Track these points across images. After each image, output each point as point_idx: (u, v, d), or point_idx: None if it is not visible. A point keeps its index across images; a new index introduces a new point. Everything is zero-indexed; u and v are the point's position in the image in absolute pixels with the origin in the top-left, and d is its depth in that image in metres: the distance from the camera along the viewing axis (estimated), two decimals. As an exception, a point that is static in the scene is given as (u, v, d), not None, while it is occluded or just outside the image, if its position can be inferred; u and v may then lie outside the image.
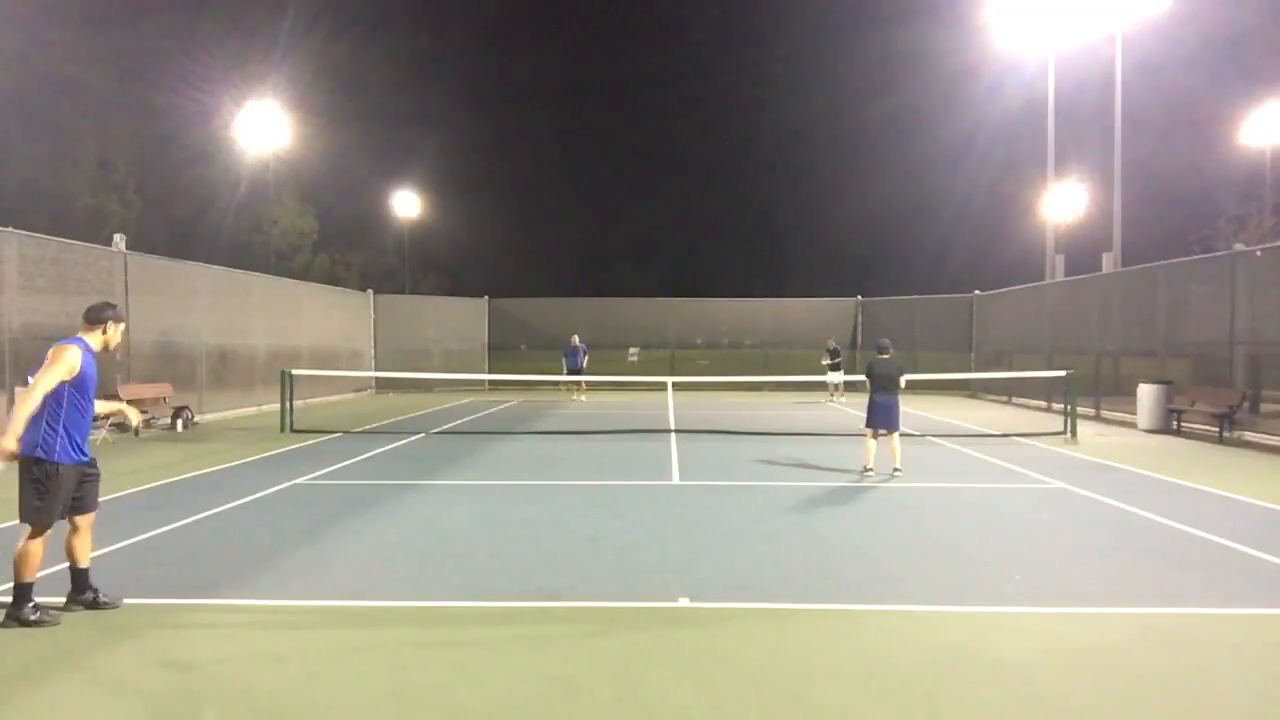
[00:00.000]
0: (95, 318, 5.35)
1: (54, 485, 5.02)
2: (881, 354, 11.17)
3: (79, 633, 5.03)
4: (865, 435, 11.00)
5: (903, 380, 11.02)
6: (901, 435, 11.16)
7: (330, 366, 24.50)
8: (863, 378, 11.50)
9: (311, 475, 10.83)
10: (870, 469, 10.78)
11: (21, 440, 4.98)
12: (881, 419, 10.77)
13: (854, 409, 19.42)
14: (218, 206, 48.84)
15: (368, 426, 17.11)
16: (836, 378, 23.80)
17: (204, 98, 46.45)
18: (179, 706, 4.07)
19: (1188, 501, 9.27)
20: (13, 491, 5.13)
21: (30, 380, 5.02)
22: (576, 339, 25.09)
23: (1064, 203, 31.83)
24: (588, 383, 25.07)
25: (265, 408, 20.17)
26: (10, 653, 4.71)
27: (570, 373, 24.37)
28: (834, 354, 24.53)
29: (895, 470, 10.65)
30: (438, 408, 21.91)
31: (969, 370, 26.15)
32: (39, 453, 5.00)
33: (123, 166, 46.28)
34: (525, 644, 4.89)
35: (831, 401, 24.35)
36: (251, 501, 9.09)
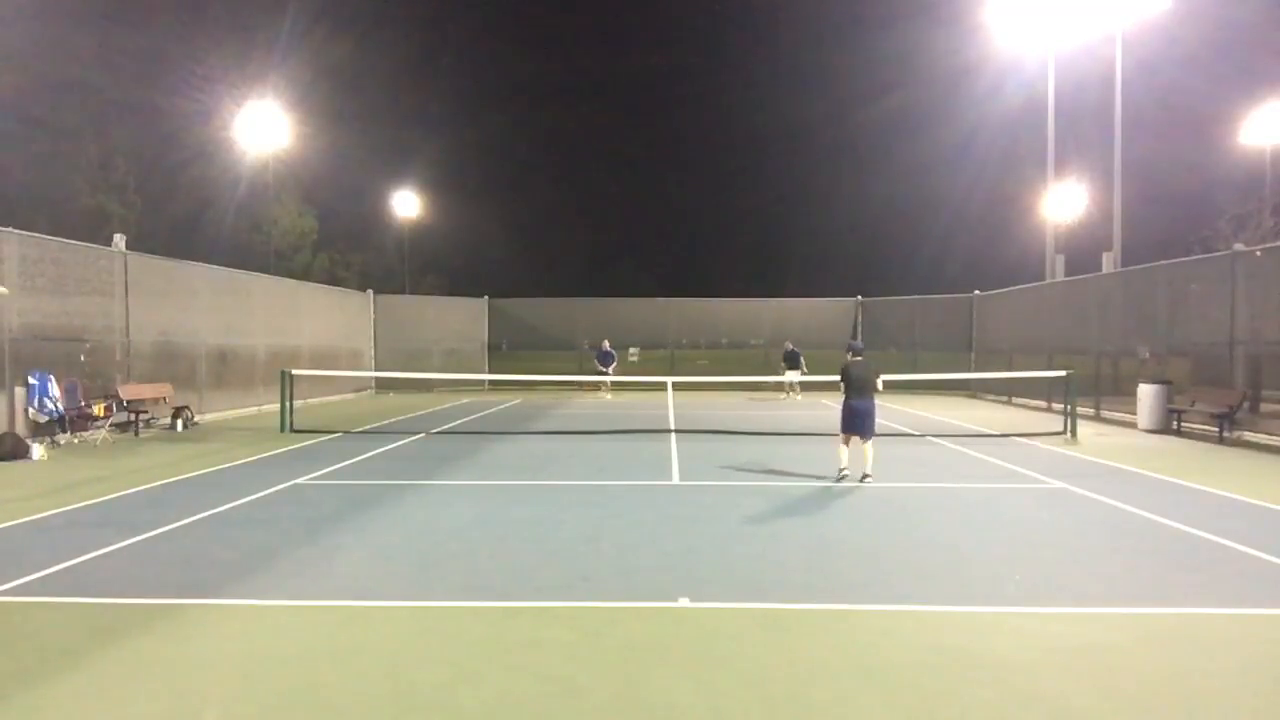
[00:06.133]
0: None
1: None
2: (855, 356, 10.64)
3: (79, 633, 5.03)
4: (840, 439, 10.73)
5: (879, 383, 10.63)
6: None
7: (330, 366, 24.51)
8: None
9: (311, 475, 10.84)
10: (846, 470, 10.47)
11: None
12: (859, 425, 10.42)
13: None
14: (218, 206, 48.88)
15: (367, 426, 17.11)
16: (793, 376, 24.74)
17: (204, 98, 46.55)
18: (179, 706, 4.07)
19: (1188, 501, 9.27)
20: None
21: None
22: (608, 344, 27.01)
23: (1064, 203, 31.79)
24: (599, 383, 26.61)
25: (265, 408, 20.18)
26: (10, 653, 4.72)
27: (600, 372, 26.49)
28: (790, 357, 25.18)
29: (866, 476, 10.23)
30: (437, 408, 21.91)
31: (969, 370, 26.15)
32: None
33: (123, 166, 46.23)
34: (525, 644, 4.89)
35: (787, 398, 25.43)
36: (251, 501, 9.08)
